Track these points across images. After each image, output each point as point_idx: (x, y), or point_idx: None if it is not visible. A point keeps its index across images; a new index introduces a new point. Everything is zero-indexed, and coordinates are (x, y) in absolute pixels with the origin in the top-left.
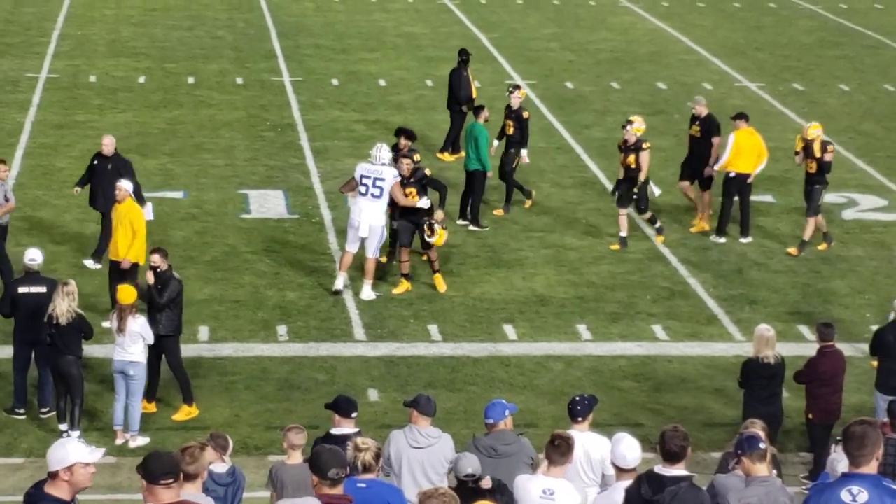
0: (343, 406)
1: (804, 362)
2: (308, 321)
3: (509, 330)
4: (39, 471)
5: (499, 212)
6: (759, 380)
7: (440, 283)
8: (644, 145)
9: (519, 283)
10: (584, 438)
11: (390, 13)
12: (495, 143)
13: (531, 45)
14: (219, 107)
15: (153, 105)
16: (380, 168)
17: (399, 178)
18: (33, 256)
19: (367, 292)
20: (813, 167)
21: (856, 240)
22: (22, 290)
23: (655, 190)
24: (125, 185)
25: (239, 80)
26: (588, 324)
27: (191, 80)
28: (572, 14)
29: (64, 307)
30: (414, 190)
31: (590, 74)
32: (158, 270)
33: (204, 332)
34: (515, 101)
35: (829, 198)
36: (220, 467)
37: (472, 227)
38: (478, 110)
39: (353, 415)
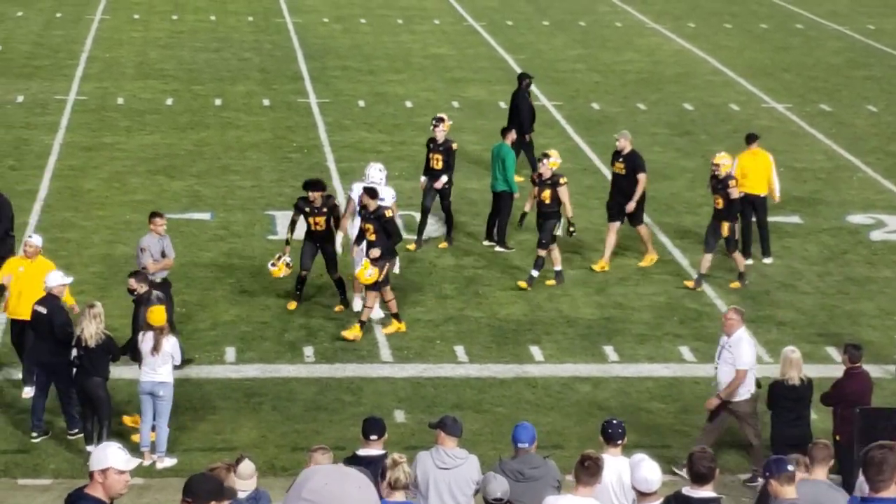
0: (367, 428)
1: (831, 384)
2: (334, 342)
3: (536, 351)
4: (67, 492)
5: (443, 244)
6: (785, 402)
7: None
8: (561, 180)
9: (545, 304)
10: (618, 463)
11: (417, 35)
12: (422, 179)
13: (558, 66)
14: (246, 128)
15: (180, 127)
16: (376, 188)
17: (394, 199)
18: (47, 280)
19: (376, 312)
20: (720, 202)
21: (884, 261)
22: (35, 307)
23: (564, 232)
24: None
25: (266, 102)
26: (615, 345)
27: (218, 101)
28: (599, 35)
29: (92, 329)
30: (371, 227)
31: (616, 95)
32: (135, 294)
33: (231, 353)
34: (440, 134)
35: (857, 219)
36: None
37: (498, 249)
38: (505, 131)
39: (372, 437)
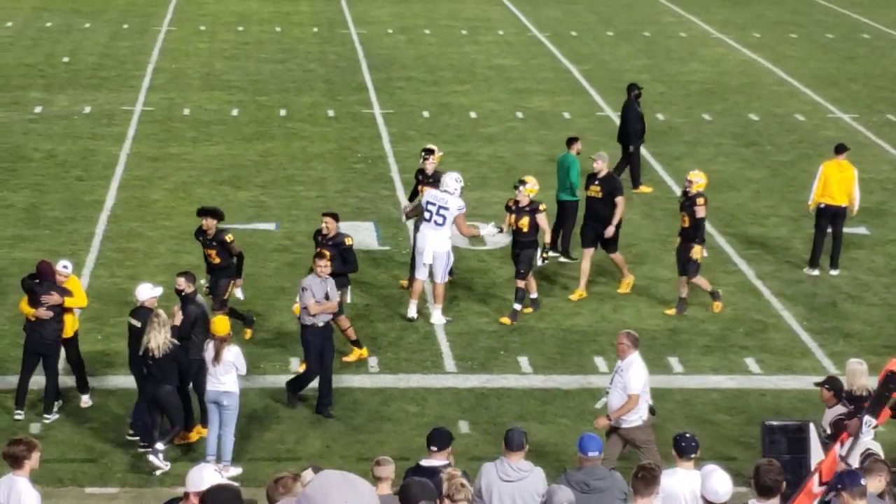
0: (429, 438)
1: None
2: (398, 353)
3: (600, 362)
4: (133, 501)
5: (404, 281)
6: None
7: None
8: (540, 207)
9: (610, 314)
10: (691, 476)
11: (481, 45)
12: (406, 206)
13: (622, 76)
14: (310, 139)
15: (246, 137)
16: (445, 196)
17: (462, 210)
18: (137, 292)
19: (438, 317)
20: (686, 221)
21: None
22: (129, 320)
23: (539, 260)
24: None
25: (330, 113)
26: (680, 356)
27: (283, 112)
28: (663, 46)
29: (160, 339)
30: (328, 254)
31: (681, 106)
32: (183, 294)
33: (295, 363)
34: (430, 167)
35: None
36: None
37: (562, 259)
38: (571, 142)
39: (432, 448)
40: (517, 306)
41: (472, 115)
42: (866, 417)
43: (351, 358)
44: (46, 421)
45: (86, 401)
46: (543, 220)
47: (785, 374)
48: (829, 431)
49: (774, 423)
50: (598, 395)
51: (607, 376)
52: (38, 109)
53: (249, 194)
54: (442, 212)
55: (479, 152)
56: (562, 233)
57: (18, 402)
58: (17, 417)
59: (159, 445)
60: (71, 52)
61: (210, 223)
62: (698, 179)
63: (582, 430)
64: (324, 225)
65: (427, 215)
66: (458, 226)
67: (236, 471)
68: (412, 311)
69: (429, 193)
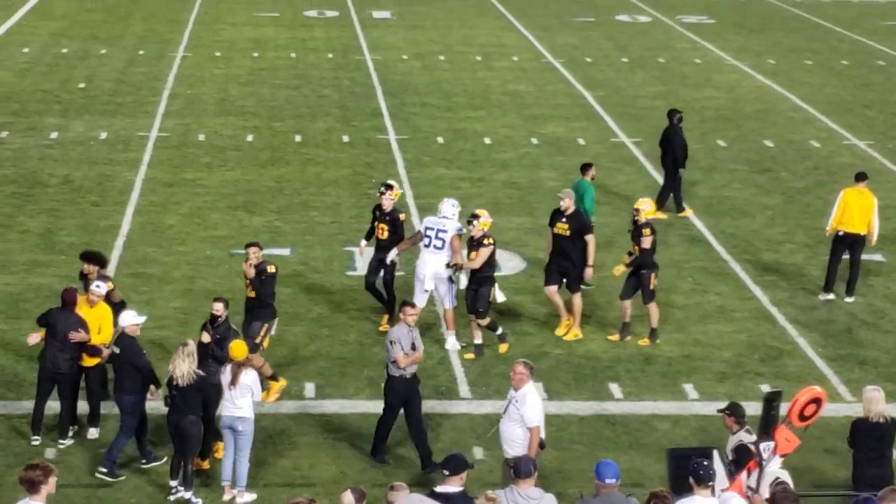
0: (448, 464)
1: None
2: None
3: (615, 388)
4: None
5: (385, 326)
6: (867, 440)
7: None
8: (486, 241)
9: (624, 341)
10: None
11: (495, 71)
12: (362, 243)
13: (637, 102)
14: (325, 164)
15: (261, 163)
16: (442, 220)
17: (461, 231)
18: (122, 318)
19: (452, 343)
20: (636, 250)
21: None
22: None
23: (499, 295)
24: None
25: (345, 138)
26: (695, 383)
27: (298, 138)
28: (678, 72)
29: (185, 368)
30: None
31: (696, 132)
32: (220, 320)
33: (310, 388)
34: (388, 203)
35: None
36: None
37: None
38: (585, 168)
39: (447, 473)
40: (499, 332)
41: (487, 140)
42: (763, 444)
43: (272, 398)
44: (62, 446)
45: (93, 433)
46: (483, 255)
47: None
48: (730, 458)
49: (679, 449)
50: (613, 422)
51: (623, 403)
52: (54, 135)
53: (264, 220)
54: (441, 234)
55: (493, 178)
56: None
57: (35, 428)
58: (34, 443)
59: (193, 500)
60: (87, 77)
61: (92, 268)
62: (646, 207)
63: (597, 457)
64: (250, 254)
65: (426, 241)
66: (454, 248)
67: (251, 496)
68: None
69: (427, 220)
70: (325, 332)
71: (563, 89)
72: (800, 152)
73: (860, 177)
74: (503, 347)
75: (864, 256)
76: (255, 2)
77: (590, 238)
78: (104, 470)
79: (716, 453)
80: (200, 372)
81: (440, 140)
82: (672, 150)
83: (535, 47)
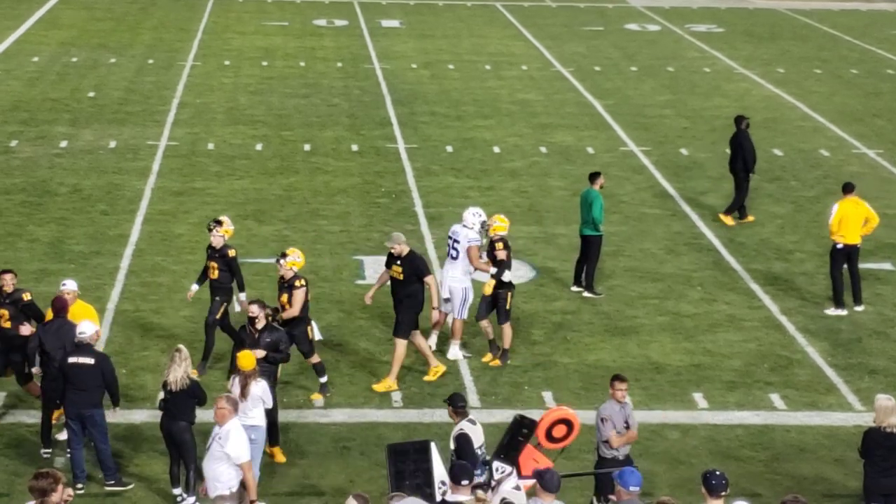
0: (455, 473)
1: None
2: (423, 387)
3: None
4: None
5: (194, 372)
6: (879, 450)
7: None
8: (297, 283)
9: (634, 350)
10: None
11: (505, 80)
12: (194, 287)
13: (645, 111)
14: (334, 173)
15: (270, 172)
16: (463, 230)
17: (477, 243)
18: (83, 329)
19: (454, 352)
20: (489, 263)
21: None
22: (71, 360)
23: (317, 333)
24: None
25: (354, 147)
26: (704, 392)
27: (307, 147)
28: (687, 81)
29: (179, 373)
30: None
31: (705, 141)
32: (257, 323)
33: (318, 399)
34: (217, 240)
35: None
36: None
37: (586, 294)
38: (594, 177)
39: (464, 482)
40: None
41: (496, 149)
42: (497, 464)
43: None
44: (70, 455)
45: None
46: (298, 298)
47: (810, 411)
48: (452, 447)
49: (398, 444)
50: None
51: (634, 412)
52: (63, 144)
53: (273, 228)
54: (456, 245)
55: (502, 187)
56: (585, 268)
57: (44, 440)
58: (45, 455)
59: (190, 498)
60: (96, 86)
61: (6, 277)
62: (496, 223)
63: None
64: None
65: (447, 249)
66: (470, 258)
67: None
68: (433, 344)
69: (452, 228)
70: (334, 340)
71: (572, 98)
72: (809, 161)
73: (851, 187)
74: (316, 396)
75: (873, 265)
76: (264, 11)
77: (429, 279)
78: (111, 482)
79: (433, 445)
80: (194, 377)
81: (449, 149)
82: (742, 156)
83: (544, 56)
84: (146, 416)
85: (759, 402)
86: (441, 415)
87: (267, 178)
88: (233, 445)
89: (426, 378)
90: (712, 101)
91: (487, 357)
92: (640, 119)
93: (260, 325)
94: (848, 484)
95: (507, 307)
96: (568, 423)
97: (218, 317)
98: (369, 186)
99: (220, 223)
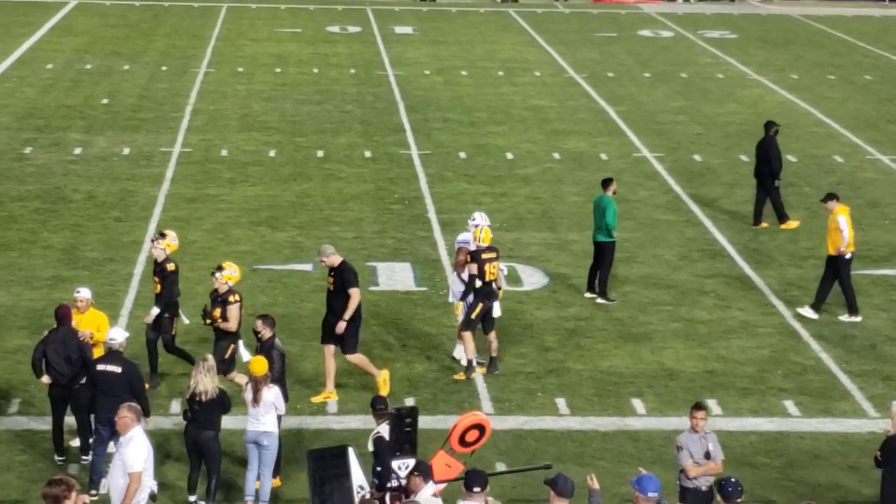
0: (468, 480)
1: None
2: (436, 394)
3: (638, 404)
4: None
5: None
6: None
7: None
8: (231, 298)
9: (647, 356)
10: None
11: (518, 87)
12: (154, 310)
13: (659, 117)
14: (347, 180)
15: (283, 178)
16: (462, 233)
17: (463, 244)
18: (113, 336)
19: (459, 352)
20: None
21: None
22: (100, 367)
23: (245, 354)
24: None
25: (367, 154)
26: (718, 398)
27: (320, 153)
28: (700, 87)
29: (208, 383)
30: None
31: (718, 147)
32: (260, 338)
33: (332, 404)
34: (158, 253)
35: None
36: None
37: (599, 300)
38: (607, 183)
39: (475, 489)
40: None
41: (509, 155)
42: (396, 462)
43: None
44: (84, 462)
45: (76, 443)
46: (233, 314)
47: (824, 417)
48: (371, 448)
49: (317, 450)
50: (636, 438)
51: (646, 419)
52: (77, 151)
53: (286, 235)
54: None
55: (515, 193)
56: (599, 274)
57: (57, 448)
58: (58, 463)
59: None
60: (110, 93)
61: None
62: (480, 234)
63: (620, 473)
64: None
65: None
66: (457, 261)
67: None
68: (459, 353)
69: (461, 238)
70: None
71: (585, 104)
72: (823, 167)
73: (836, 197)
74: (317, 398)
75: (887, 272)
76: (277, 17)
77: (353, 292)
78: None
79: (350, 450)
80: (221, 387)
81: (462, 155)
82: (769, 162)
83: (557, 62)
84: (160, 422)
85: (773, 408)
86: (454, 421)
87: (280, 184)
88: (130, 452)
89: (314, 399)
90: (726, 107)
91: (460, 376)
92: (654, 125)
93: (264, 338)
94: (862, 491)
95: (472, 315)
96: (480, 428)
97: (174, 333)
98: (382, 193)
99: (163, 236)
